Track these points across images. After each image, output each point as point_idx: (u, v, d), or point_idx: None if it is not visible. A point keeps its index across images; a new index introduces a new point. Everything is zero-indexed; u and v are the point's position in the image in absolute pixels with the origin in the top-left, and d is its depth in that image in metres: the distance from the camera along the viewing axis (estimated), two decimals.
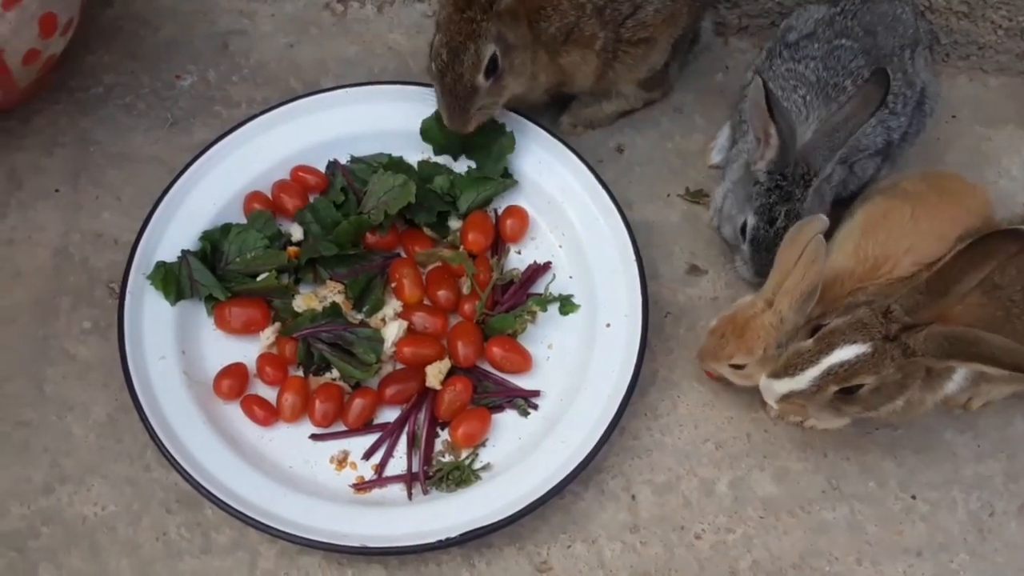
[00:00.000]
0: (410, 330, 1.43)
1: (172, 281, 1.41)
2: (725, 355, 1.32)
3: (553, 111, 1.63)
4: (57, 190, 1.55)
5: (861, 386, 1.21)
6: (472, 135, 1.45)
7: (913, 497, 1.41)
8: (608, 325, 1.44)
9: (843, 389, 1.22)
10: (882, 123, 1.45)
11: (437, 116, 1.47)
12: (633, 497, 1.39)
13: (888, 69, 1.38)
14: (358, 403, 1.38)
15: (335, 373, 1.41)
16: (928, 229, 1.37)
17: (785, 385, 1.23)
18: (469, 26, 1.32)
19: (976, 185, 1.46)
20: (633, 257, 1.46)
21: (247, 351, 1.42)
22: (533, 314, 1.47)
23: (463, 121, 1.40)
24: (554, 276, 1.50)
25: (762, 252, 1.40)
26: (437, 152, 1.54)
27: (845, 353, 1.20)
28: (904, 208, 1.40)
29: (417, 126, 1.54)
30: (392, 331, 1.41)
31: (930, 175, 1.49)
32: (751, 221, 1.40)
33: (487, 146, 1.52)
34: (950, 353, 1.17)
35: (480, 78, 1.36)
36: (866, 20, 1.47)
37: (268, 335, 1.42)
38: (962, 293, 1.18)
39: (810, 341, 1.23)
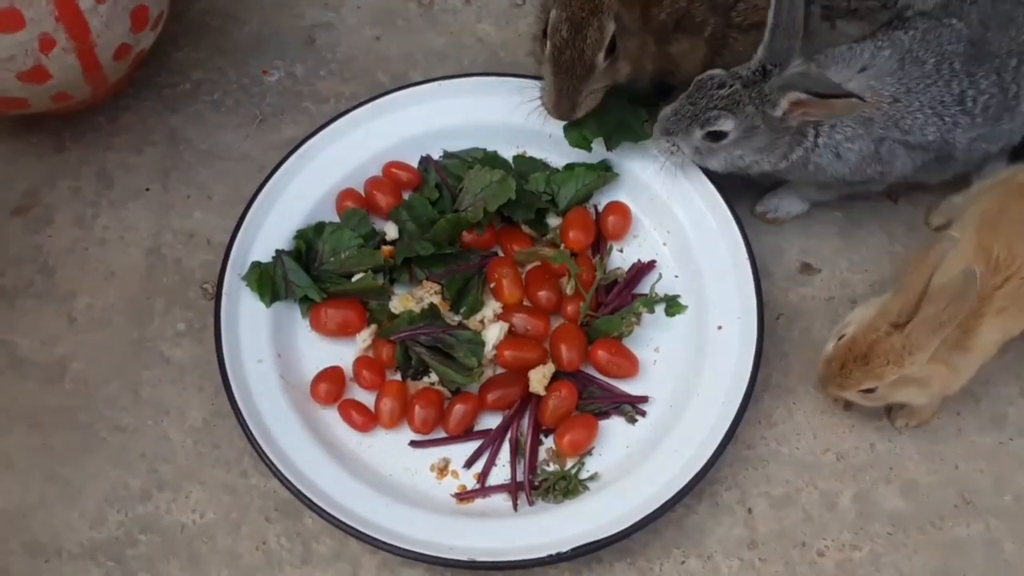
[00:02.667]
0: (511, 332, 1.37)
1: (267, 282, 1.37)
2: (852, 384, 1.23)
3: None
4: (148, 189, 1.52)
5: None
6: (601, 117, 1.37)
7: None
8: (720, 327, 1.36)
9: None
10: (941, 116, 1.34)
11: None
12: (749, 511, 1.31)
13: (979, 69, 1.31)
14: (459, 409, 1.32)
15: (434, 377, 1.35)
16: None
17: None
18: (591, 2, 1.26)
19: None
20: (745, 255, 1.38)
21: (343, 354, 1.37)
22: (639, 316, 1.40)
23: (572, 105, 1.32)
24: (660, 276, 1.43)
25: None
26: (589, 148, 1.44)
27: None
28: (1022, 202, 1.29)
29: (511, 119, 1.47)
30: (493, 334, 1.35)
31: None
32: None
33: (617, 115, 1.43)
34: None
35: (601, 56, 1.29)
36: (985, 10, 1.37)
37: (364, 337, 1.37)
38: None
39: None
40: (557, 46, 1.28)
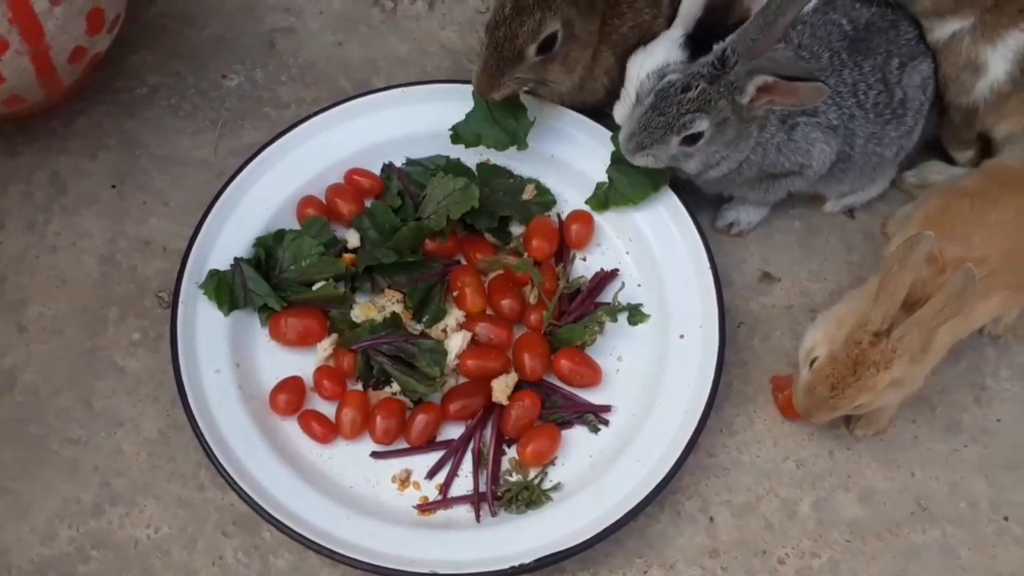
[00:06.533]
0: (473, 342, 1.36)
1: (225, 290, 1.34)
2: (845, 403, 1.22)
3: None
4: (102, 195, 1.48)
5: None
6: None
7: (1006, 519, 1.34)
8: (682, 336, 1.36)
9: None
10: (839, 106, 1.36)
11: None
12: (711, 519, 1.32)
13: (865, 61, 1.36)
14: (421, 419, 1.31)
15: (395, 387, 1.34)
16: (997, 221, 1.28)
17: None
18: None
19: None
20: (707, 264, 1.39)
21: (303, 364, 1.35)
22: (602, 324, 1.40)
23: (492, 84, 1.30)
24: (623, 284, 1.43)
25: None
26: (467, 147, 1.45)
27: None
28: (963, 202, 1.31)
29: None
30: (456, 343, 1.34)
31: (990, 169, 1.41)
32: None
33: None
34: None
35: (532, 49, 1.28)
36: (865, 15, 1.40)
37: (325, 347, 1.35)
38: None
39: None
40: (496, 20, 1.27)
